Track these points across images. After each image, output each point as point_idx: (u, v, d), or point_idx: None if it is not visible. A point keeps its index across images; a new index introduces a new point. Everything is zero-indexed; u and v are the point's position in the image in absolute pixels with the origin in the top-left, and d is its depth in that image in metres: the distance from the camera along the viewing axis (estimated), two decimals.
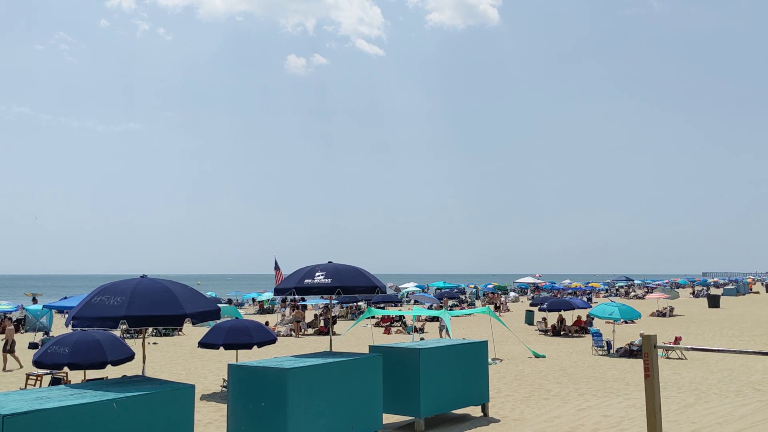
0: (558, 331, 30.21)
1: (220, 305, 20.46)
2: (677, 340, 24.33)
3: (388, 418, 11.89)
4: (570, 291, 67.61)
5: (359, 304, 44.79)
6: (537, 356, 21.79)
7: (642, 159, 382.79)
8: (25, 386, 16.22)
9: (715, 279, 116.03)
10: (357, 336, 29.83)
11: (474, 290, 69.66)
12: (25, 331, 33.99)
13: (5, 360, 20.88)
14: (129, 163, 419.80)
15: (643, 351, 5.54)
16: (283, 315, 40.51)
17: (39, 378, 16.05)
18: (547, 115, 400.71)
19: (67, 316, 17.23)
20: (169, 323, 8.14)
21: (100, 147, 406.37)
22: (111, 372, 16.52)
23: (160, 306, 8.04)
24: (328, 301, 40.54)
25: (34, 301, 51.33)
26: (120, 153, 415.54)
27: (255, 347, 15.19)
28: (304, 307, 44.67)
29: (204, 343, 15.26)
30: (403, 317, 34.94)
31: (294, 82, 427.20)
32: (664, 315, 41.78)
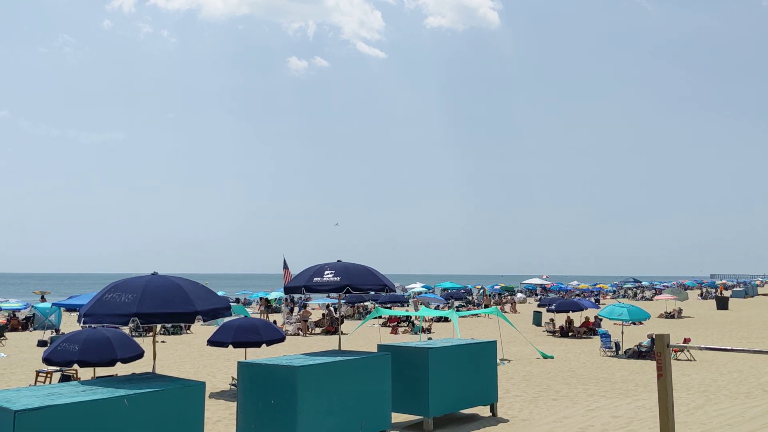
0: (566, 332, 30.12)
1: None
2: (686, 341, 24.23)
3: (397, 417, 11.88)
4: (578, 292, 67.42)
5: (366, 303, 44.78)
6: (545, 357, 21.73)
7: (645, 160, 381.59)
8: (35, 383, 16.30)
9: (724, 281, 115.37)
10: (364, 335, 29.85)
11: (481, 291, 69.53)
12: (34, 329, 34.19)
13: None
14: (130, 163, 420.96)
15: (656, 350, 5.51)
16: (290, 313, 40.56)
17: (49, 375, 16.12)
18: (548, 117, 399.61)
19: (77, 314, 17.30)
20: (180, 320, 8.17)
21: (99, 147, 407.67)
22: (120, 370, 16.58)
23: (171, 303, 8.06)
24: (331, 301, 40.59)
25: (43, 299, 51.59)
26: (121, 153, 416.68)
27: (264, 346, 15.22)
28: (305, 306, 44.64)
29: (213, 341, 15.30)
30: (410, 317, 34.92)
31: (296, 84, 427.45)
32: (672, 317, 41.61)
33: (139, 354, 13.13)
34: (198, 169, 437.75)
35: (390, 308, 34.95)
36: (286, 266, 35.00)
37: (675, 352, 20.75)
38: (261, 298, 45.46)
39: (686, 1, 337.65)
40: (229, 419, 12.36)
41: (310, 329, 33.15)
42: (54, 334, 30.03)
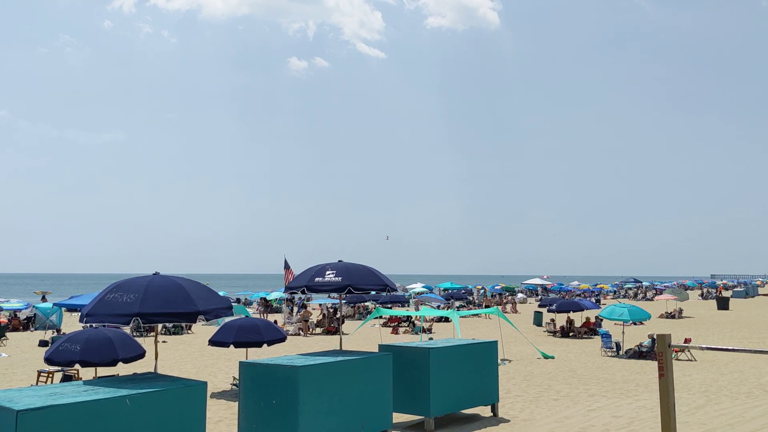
0: (567, 332, 30.13)
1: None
2: (687, 342, 24.23)
3: (398, 417, 11.89)
4: (579, 293, 67.41)
5: (366, 304, 44.82)
6: (546, 357, 21.74)
7: (647, 160, 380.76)
8: (37, 383, 16.32)
9: (724, 281, 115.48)
10: (365, 336, 29.86)
11: (481, 291, 69.55)
12: (35, 329, 34.23)
13: None
14: (130, 163, 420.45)
15: (658, 350, 5.52)
16: (291, 314, 40.58)
17: (50, 375, 16.14)
18: (548, 117, 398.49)
19: (78, 314, 17.32)
20: (182, 320, 8.19)
21: (99, 147, 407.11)
22: (122, 370, 16.59)
23: (173, 303, 8.08)
24: (332, 301, 40.57)
25: (44, 299, 51.63)
26: (121, 153, 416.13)
27: (265, 346, 15.23)
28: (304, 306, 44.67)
29: (214, 341, 15.32)
30: (411, 317, 34.93)
31: (296, 84, 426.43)
32: (673, 317, 41.61)
33: (140, 354, 13.14)
34: (198, 170, 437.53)
35: (391, 308, 34.95)
36: (287, 266, 35.01)
37: (676, 352, 20.75)
38: (261, 298, 45.54)
39: (687, 2, 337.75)
40: (231, 419, 12.37)
41: (311, 329, 33.17)
42: (55, 334, 30.07)
